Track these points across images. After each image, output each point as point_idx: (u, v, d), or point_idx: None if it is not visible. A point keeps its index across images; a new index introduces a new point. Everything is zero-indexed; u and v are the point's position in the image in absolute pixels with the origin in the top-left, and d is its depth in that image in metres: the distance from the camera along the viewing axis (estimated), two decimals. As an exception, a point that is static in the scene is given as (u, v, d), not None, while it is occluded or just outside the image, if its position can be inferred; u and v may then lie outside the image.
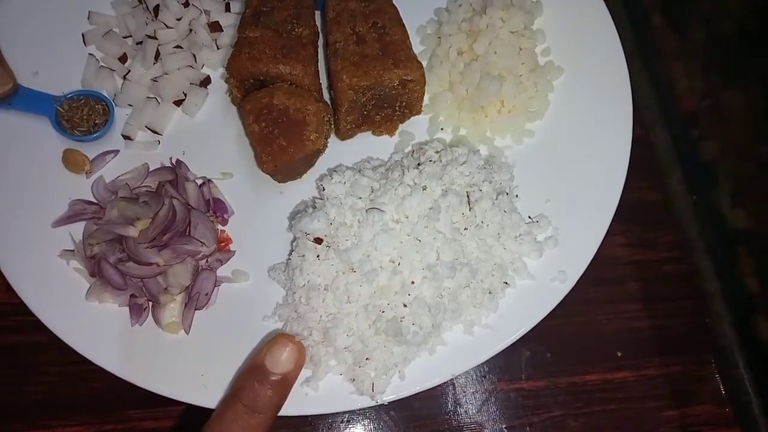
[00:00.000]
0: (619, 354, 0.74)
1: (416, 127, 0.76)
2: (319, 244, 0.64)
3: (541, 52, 0.79)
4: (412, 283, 0.62)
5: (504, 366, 0.74)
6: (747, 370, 0.74)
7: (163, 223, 0.67)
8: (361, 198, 0.66)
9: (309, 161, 0.71)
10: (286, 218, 0.72)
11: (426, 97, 0.77)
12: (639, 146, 0.74)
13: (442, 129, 0.76)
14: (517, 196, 0.71)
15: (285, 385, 0.57)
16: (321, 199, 0.68)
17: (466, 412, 0.73)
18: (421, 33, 0.81)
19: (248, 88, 0.70)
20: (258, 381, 0.56)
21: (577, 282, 0.69)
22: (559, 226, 0.70)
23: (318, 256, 0.64)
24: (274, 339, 0.59)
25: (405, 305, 0.62)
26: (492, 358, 0.65)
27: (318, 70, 0.70)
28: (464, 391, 0.73)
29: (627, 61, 0.78)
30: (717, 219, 0.79)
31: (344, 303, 0.62)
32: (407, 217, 0.64)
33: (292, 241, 0.68)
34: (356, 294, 0.62)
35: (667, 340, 0.76)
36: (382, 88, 0.68)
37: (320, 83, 0.71)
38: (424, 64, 0.79)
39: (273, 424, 0.56)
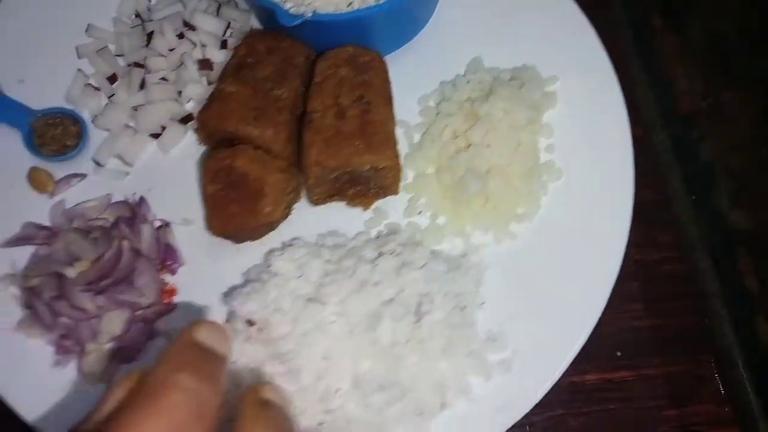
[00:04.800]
0: (619, 354, 0.75)
1: (393, 205, 0.71)
2: (251, 326, 0.60)
3: (545, 147, 0.73)
4: (337, 390, 0.58)
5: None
6: (746, 370, 0.73)
7: (104, 268, 0.65)
8: (305, 281, 0.62)
9: (268, 227, 0.67)
10: (237, 279, 0.68)
11: (411, 175, 0.72)
12: (639, 147, 0.73)
13: (420, 212, 0.71)
14: (483, 303, 0.66)
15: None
16: (266, 273, 0.64)
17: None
18: (422, 103, 0.76)
19: (217, 142, 0.67)
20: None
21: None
22: (518, 349, 0.64)
23: (249, 338, 0.60)
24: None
25: (327, 411, 0.58)
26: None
27: (290, 136, 0.66)
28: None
29: (626, 62, 0.78)
30: (716, 219, 0.79)
31: (264, 394, 0.59)
32: (347, 316, 0.60)
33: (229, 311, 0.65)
34: (281, 386, 0.58)
35: (667, 340, 0.75)
36: (352, 169, 0.64)
37: (292, 149, 0.67)
38: (417, 138, 0.74)
39: None
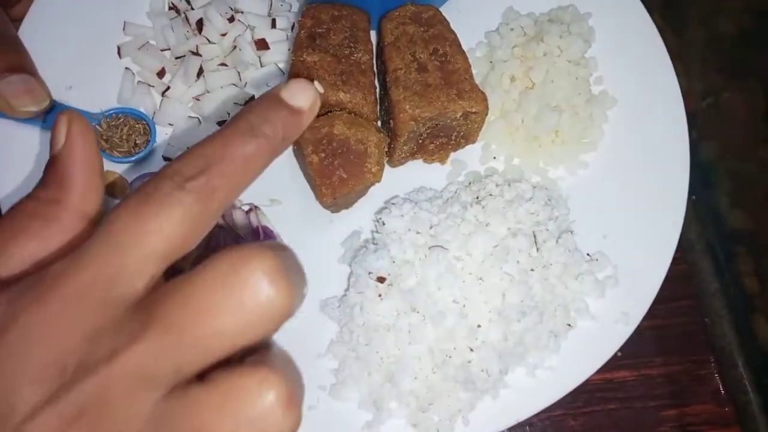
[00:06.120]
0: (619, 354, 0.72)
1: (468, 155, 0.74)
2: (382, 282, 0.62)
3: (594, 80, 0.78)
4: (479, 326, 0.61)
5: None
6: (746, 370, 0.74)
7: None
8: (420, 233, 0.64)
9: (364, 191, 0.68)
10: (336, 248, 0.69)
11: (477, 124, 0.75)
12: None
13: (494, 158, 0.74)
14: (572, 231, 0.70)
15: (298, 123, 0.41)
16: (379, 233, 0.65)
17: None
18: (471, 56, 0.78)
19: (302, 114, 0.67)
20: (267, 106, 0.40)
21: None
22: (618, 264, 0.68)
23: (380, 295, 0.62)
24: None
25: (471, 349, 0.60)
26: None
27: (376, 98, 0.68)
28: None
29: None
30: (716, 219, 0.79)
31: (407, 345, 0.60)
32: (470, 256, 0.63)
33: (349, 276, 0.66)
34: (420, 336, 0.60)
35: (667, 340, 0.77)
36: (443, 119, 0.66)
37: (377, 111, 0.69)
38: (475, 89, 0.77)
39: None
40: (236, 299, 0.31)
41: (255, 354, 0.33)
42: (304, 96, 0.40)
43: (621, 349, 0.72)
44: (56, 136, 0.39)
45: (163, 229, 0.32)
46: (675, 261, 0.76)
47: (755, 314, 0.74)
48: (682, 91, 0.76)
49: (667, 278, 0.75)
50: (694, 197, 0.81)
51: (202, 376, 0.32)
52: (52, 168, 0.38)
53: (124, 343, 0.30)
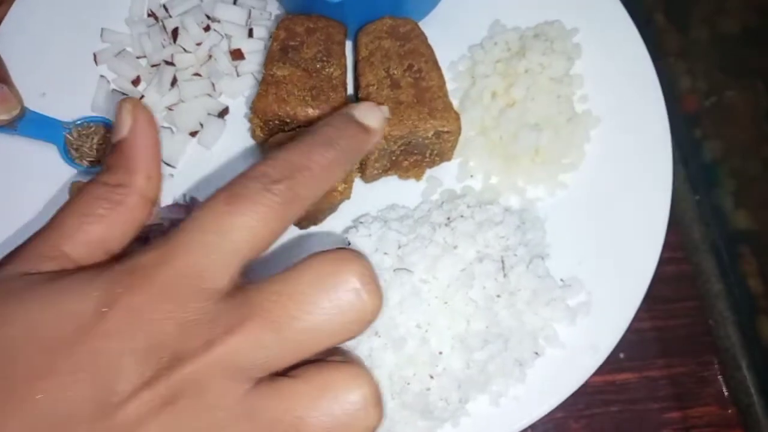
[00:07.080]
0: (622, 356, 0.73)
1: (444, 172, 0.73)
2: (343, 304, 0.60)
3: (577, 99, 0.75)
4: (440, 353, 0.59)
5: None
6: (750, 372, 0.73)
7: (176, 270, 0.63)
8: (387, 254, 0.63)
9: (334, 208, 0.67)
10: (304, 265, 0.68)
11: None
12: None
13: (471, 176, 0.73)
14: (543, 257, 0.68)
15: (367, 140, 0.44)
16: (346, 253, 0.64)
17: (469, 413, 0.70)
18: (452, 70, 0.77)
19: (272, 129, 0.66)
20: (342, 123, 0.43)
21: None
22: (592, 291, 0.67)
23: (341, 317, 0.60)
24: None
25: (431, 377, 0.59)
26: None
27: (347, 114, 0.66)
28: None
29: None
30: (720, 219, 0.78)
31: (367, 369, 0.59)
32: (437, 279, 0.61)
33: (313, 296, 0.65)
34: (380, 361, 0.59)
35: (670, 342, 0.75)
36: (415, 137, 0.64)
37: (349, 127, 0.67)
38: (456, 104, 0.75)
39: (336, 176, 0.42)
40: (335, 300, 0.32)
41: (336, 355, 0.35)
42: (374, 116, 0.45)
43: (623, 351, 0.73)
44: (120, 122, 0.40)
45: (250, 226, 0.34)
46: (678, 261, 0.78)
47: (760, 316, 0.73)
48: (684, 91, 0.76)
49: (670, 279, 0.76)
50: (698, 197, 0.81)
51: (283, 373, 0.33)
52: (118, 153, 0.40)
53: (220, 334, 0.32)
